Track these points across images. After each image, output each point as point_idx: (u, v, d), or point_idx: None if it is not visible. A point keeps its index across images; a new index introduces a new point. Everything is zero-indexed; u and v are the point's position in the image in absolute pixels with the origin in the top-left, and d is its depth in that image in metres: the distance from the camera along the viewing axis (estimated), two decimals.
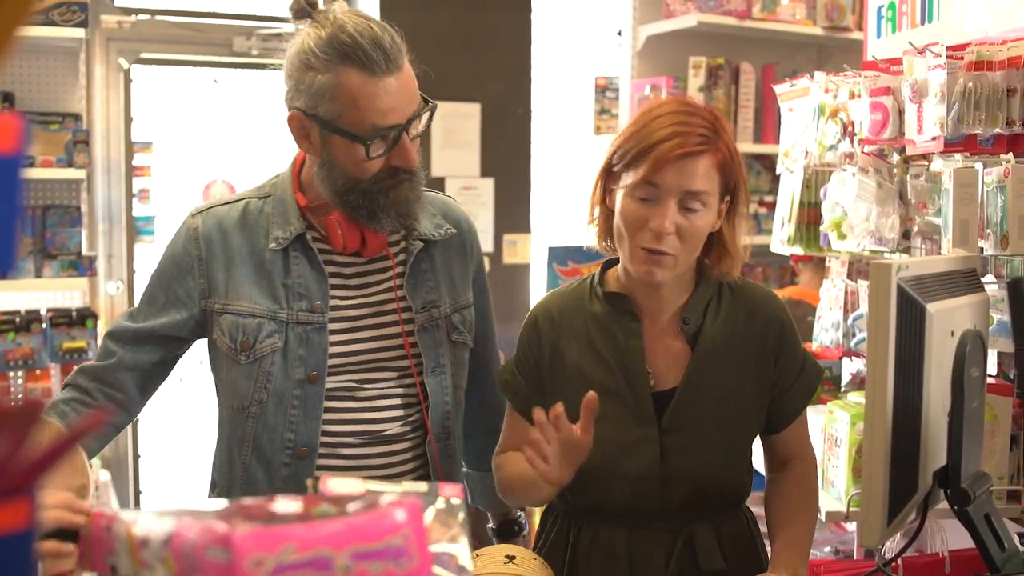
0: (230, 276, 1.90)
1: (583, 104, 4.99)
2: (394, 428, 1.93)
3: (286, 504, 0.86)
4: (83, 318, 3.77)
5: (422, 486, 1.05)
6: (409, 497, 0.98)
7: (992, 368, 2.29)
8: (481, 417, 2.12)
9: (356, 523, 0.80)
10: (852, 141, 2.66)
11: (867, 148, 2.57)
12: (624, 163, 1.75)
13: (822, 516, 2.35)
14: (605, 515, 1.83)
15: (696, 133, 1.72)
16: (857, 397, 2.50)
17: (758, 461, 1.95)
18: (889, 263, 1.48)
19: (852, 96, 2.67)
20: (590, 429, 1.63)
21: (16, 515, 0.69)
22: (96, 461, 3.87)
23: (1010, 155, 2.18)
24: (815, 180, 2.90)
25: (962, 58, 2.21)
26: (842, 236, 2.66)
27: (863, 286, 2.75)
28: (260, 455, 1.90)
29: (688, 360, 1.82)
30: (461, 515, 1.02)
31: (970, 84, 2.18)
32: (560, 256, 4.28)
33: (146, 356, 1.93)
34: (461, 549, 0.98)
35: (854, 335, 2.75)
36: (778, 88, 3.06)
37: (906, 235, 2.49)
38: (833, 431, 2.41)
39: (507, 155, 4.68)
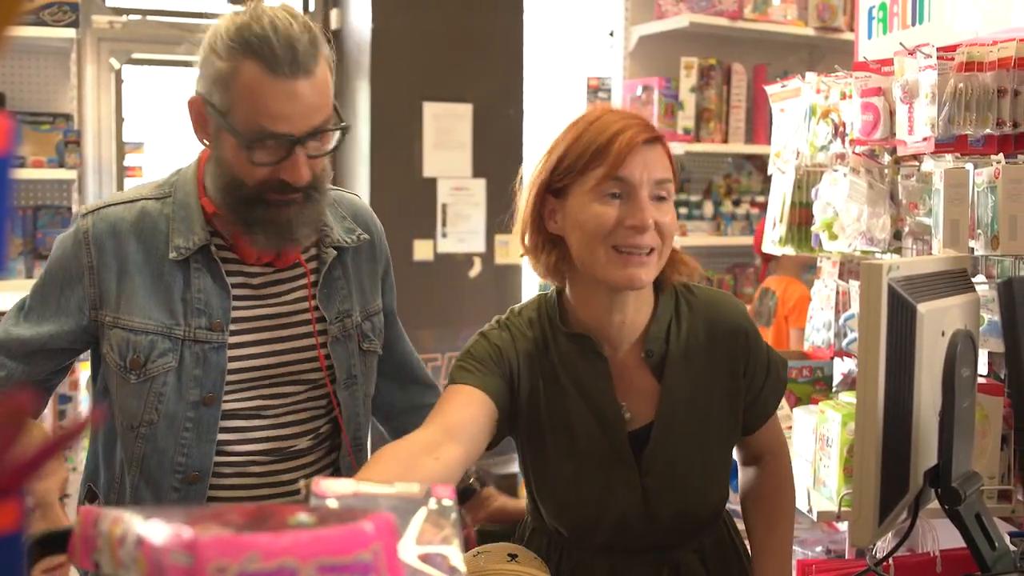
0: (122, 287, 1.75)
1: (575, 105, 4.99)
2: (303, 443, 1.86)
3: (266, 511, 0.86)
4: None
5: (414, 487, 1.04)
6: (387, 506, 0.97)
7: (983, 368, 2.29)
8: (401, 412, 2.09)
9: (324, 535, 0.79)
10: (843, 142, 2.67)
11: (858, 149, 2.58)
12: (576, 170, 1.64)
13: (813, 516, 2.35)
14: (588, 547, 1.76)
15: (644, 124, 1.65)
16: (848, 397, 2.50)
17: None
18: (880, 263, 1.49)
19: (843, 97, 2.67)
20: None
21: (5, 517, 0.69)
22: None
23: (1000, 156, 2.19)
24: (806, 181, 2.91)
25: (953, 59, 2.21)
26: (833, 237, 2.67)
27: (854, 286, 2.76)
28: (148, 477, 1.78)
29: (657, 395, 1.72)
30: (453, 516, 1.02)
31: (961, 85, 2.18)
32: None
33: (38, 368, 1.80)
34: (453, 550, 0.98)
35: (845, 335, 2.76)
36: (769, 89, 3.06)
37: (897, 235, 2.49)
38: (824, 431, 2.42)
39: (499, 156, 4.68)
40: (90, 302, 1.76)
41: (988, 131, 2.19)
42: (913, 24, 2.68)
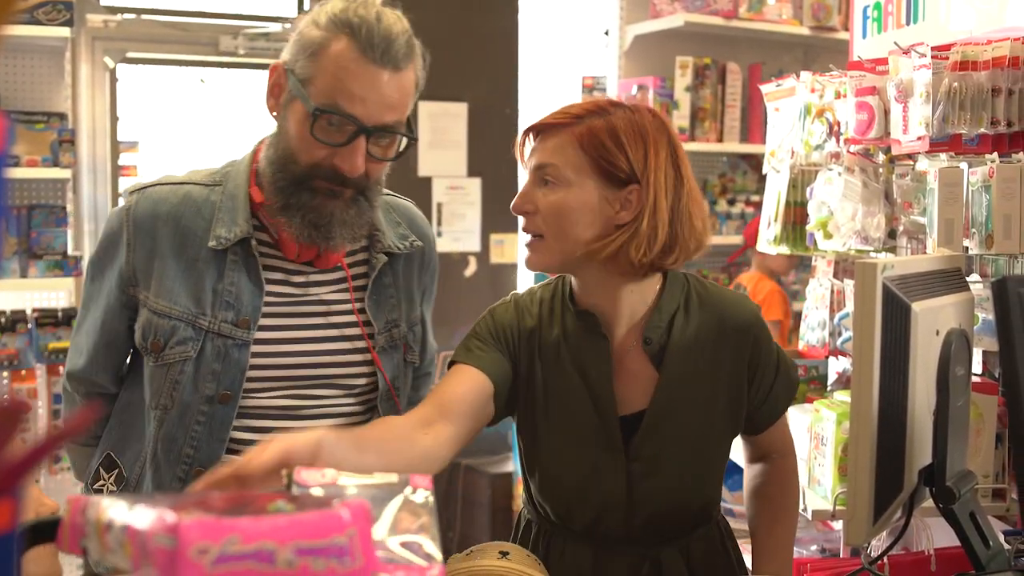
0: (153, 268, 1.74)
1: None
2: None
3: (246, 497, 0.89)
4: (69, 318, 3.76)
5: (392, 477, 1.06)
6: (365, 495, 1.00)
7: (977, 367, 2.30)
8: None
9: (301, 520, 0.83)
10: (838, 141, 2.67)
11: (853, 148, 2.58)
12: None
13: (808, 515, 2.35)
14: (572, 533, 1.78)
15: (560, 112, 1.70)
16: (843, 396, 2.50)
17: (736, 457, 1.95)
18: (874, 262, 1.49)
19: (838, 96, 2.67)
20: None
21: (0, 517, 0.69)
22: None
23: (995, 155, 2.19)
24: (801, 180, 2.91)
25: (947, 58, 2.22)
26: (828, 235, 2.67)
27: (849, 285, 2.76)
28: (157, 463, 1.77)
29: (654, 383, 1.73)
30: (430, 505, 1.03)
31: (955, 84, 2.19)
32: None
33: (113, 362, 1.84)
34: (429, 538, 1.00)
35: (840, 334, 2.76)
36: (764, 88, 3.07)
37: (892, 234, 2.49)
38: (819, 430, 2.42)
39: (494, 155, 4.68)
40: (127, 279, 1.76)
41: (982, 130, 2.19)
42: (907, 23, 2.68)
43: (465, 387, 1.68)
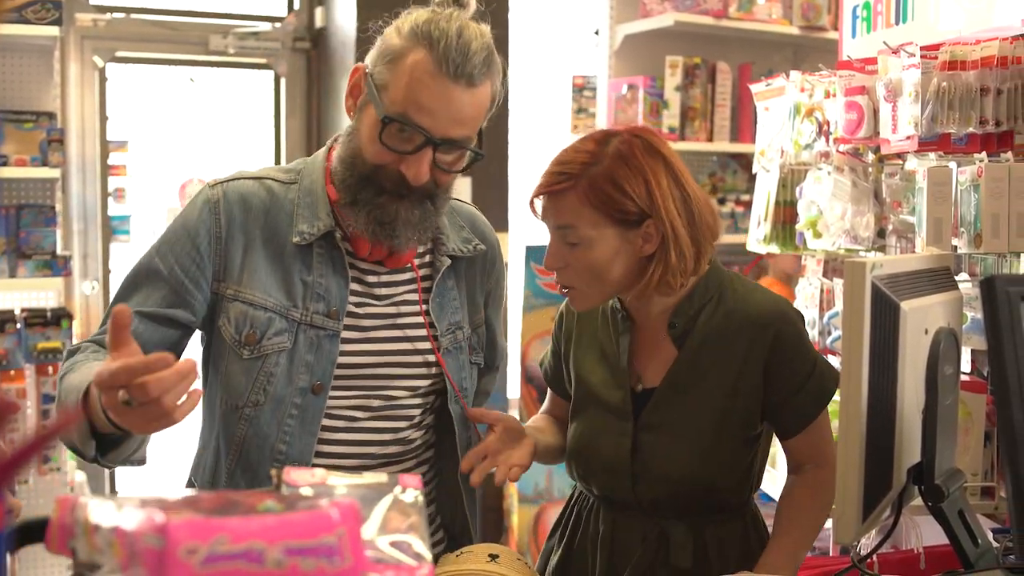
0: (247, 260, 1.75)
1: (560, 103, 5.00)
2: (392, 448, 1.83)
3: (235, 497, 0.90)
4: (58, 318, 3.74)
5: (382, 476, 1.07)
6: (354, 494, 1.00)
7: (966, 366, 2.30)
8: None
9: (291, 519, 0.83)
10: (827, 140, 2.68)
11: (842, 147, 2.59)
12: None
13: None
14: (597, 499, 1.92)
15: (558, 172, 1.76)
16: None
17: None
18: (863, 261, 1.49)
19: (827, 95, 2.68)
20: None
21: None
22: (71, 461, 3.85)
23: (983, 154, 2.20)
24: (791, 179, 2.92)
25: (936, 58, 2.22)
26: (818, 235, 2.68)
27: (838, 284, 2.77)
28: (247, 463, 1.77)
29: (672, 362, 1.84)
30: (420, 505, 1.04)
31: (944, 84, 2.19)
32: (538, 255, 4.29)
33: (161, 336, 1.73)
34: (418, 538, 1.00)
35: (830, 333, 2.77)
36: (754, 87, 3.07)
37: (881, 234, 2.50)
38: None
39: (485, 155, 4.68)
40: (213, 272, 1.75)
41: (971, 130, 2.20)
42: (897, 23, 2.69)
43: (561, 413, 2.02)
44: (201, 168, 5.07)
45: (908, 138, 2.28)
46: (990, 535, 1.72)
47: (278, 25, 4.77)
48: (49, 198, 3.97)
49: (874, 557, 1.91)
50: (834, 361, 2.83)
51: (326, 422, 1.78)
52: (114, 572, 0.83)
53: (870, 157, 2.59)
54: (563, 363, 2.00)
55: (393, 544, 0.99)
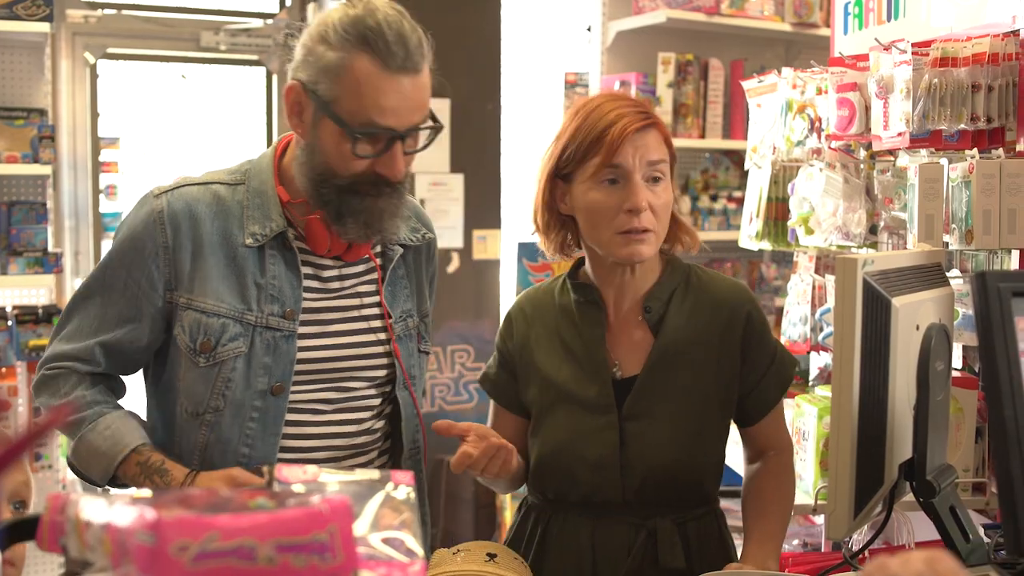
0: (196, 267, 1.75)
1: (553, 100, 4.99)
2: (359, 440, 1.85)
3: (227, 494, 0.90)
4: (49, 315, 3.73)
5: (374, 473, 1.07)
6: (346, 491, 1.00)
7: (957, 361, 2.31)
8: None
9: (282, 516, 0.83)
10: (819, 137, 2.68)
11: (834, 144, 2.59)
12: (576, 159, 1.79)
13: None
14: (570, 506, 1.84)
15: (638, 110, 1.79)
16: (825, 391, 2.51)
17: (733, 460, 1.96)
18: (855, 258, 1.49)
19: (819, 92, 2.68)
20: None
21: None
22: (63, 459, 3.84)
23: (975, 151, 2.20)
24: (783, 176, 2.92)
25: (927, 55, 2.22)
26: (810, 231, 2.68)
27: (830, 281, 2.77)
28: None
29: (650, 348, 1.84)
30: (412, 501, 1.04)
31: (935, 80, 2.20)
32: (530, 252, 4.29)
33: (124, 363, 1.81)
34: (411, 535, 1.00)
35: (822, 329, 2.77)
36: (746, 84, 3.07)
37: (873, 230, 2.51)
38: (801, 425, 2.43)
39: (477, 151, 4.68)
40: (164, 283, 1.75)
41: (962, 126, 2.20)
42: (888, 20, 2.69)
43: (510, 431, 1.89)
44: (193, 164, 5.07)
45: (900, 135, 2.28)
46: (981, 531, 1.73)
47: (270, 21, 4.76)
48: (40, 195, 3.95)
49: (866, 553, 1.92)
50: (826, 357, 2.84)
51: (293, 416, 1.79)
52: (105, 569, 0.83)
53: (862, 154, 2.60)
54: (515, 374, 1.93)
55: (385, 541, 0.99)
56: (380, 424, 1.90)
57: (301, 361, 1.79)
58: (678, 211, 1.89)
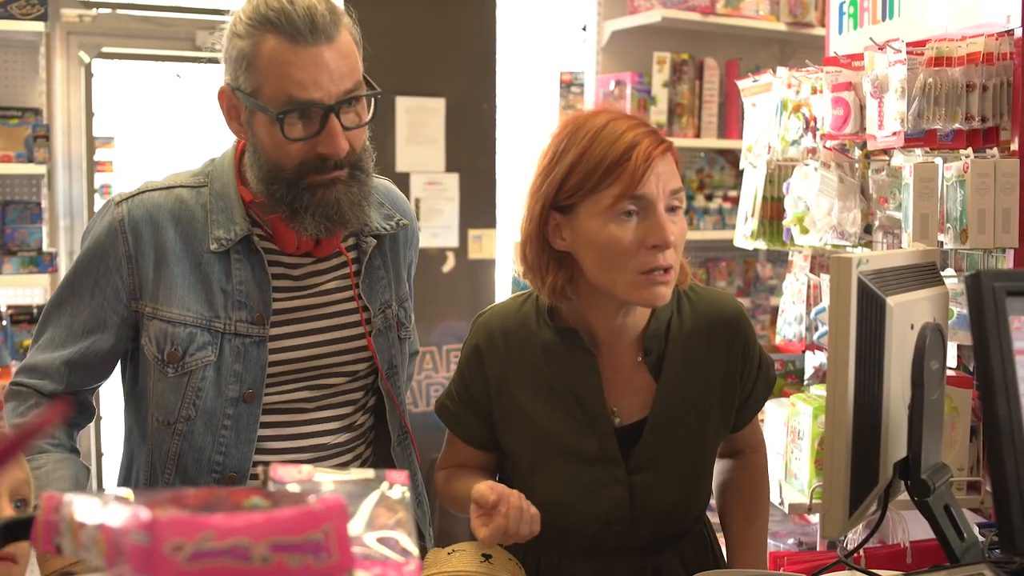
0: (160, 276, 1.70)
1: (548, 99, 5.00)
2: (342, 437, 1.83)
3: (221, 494, 0.89)
4: None
5: (369, 472, 1.06)
6: (341, 491, 1.00)
7: (952, 361, 2.31)
8: None
9: (277, 516, 0.82)
10: (814, 136, 2.68)
11: (829, 143, 2.59)
12: (587, 188, 1.57)
13: (784, 508, 2.36)
14: (570, 549, 1.74)
15: (654, 132, 1.59)
16: (819, 390, 2.52)
17: None
18: (849, 257, 1.49)
19: (814, 91, 2.68)
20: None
21: None
22: None
23: (969, 150, 2.21)
24: (778, 175, 2.92)
25: (922, 54, 2.23)
26: (804, 231, 2.68)
27: (825, 280, 2.77)
28: (184, 477, 1.73)
29: (654, 392, 1.71)
30: (407, 501, 1.03)
31: (930, 80, 2.20)
32: None
33: (78, 381, 1.75)
34: (405, 534, 1.00)
35: (816, 329, 2.77)
36: (741, 83, 3.08)
37: (868, 229, 2.51)
38: (796, 424, 2.43)
39: (472, 150, 4.68)
40: (128, 293, 1.71)
41: (957, 126, 2.21)
42: (883, 19, 2.69)
43: (474, 462, 1.80)
44: (188, 164, 5.07)
45: (894, 134, 2.29)
46: (976, 530, 1.73)
47: None
48: (35, 194, 3.95)
49: (861, 551, 1.92)
50: (821, 357, 2.84)
51: (272, 418, 1.76)
52: (100, 569, 0.83)
53: (857, 153, 2.60)
54: (487, 416, 1.75)
55: (380, 540, 0.99)
56: (364, 418, 1.88)
57: (276, 363, 1.75)
58: None
